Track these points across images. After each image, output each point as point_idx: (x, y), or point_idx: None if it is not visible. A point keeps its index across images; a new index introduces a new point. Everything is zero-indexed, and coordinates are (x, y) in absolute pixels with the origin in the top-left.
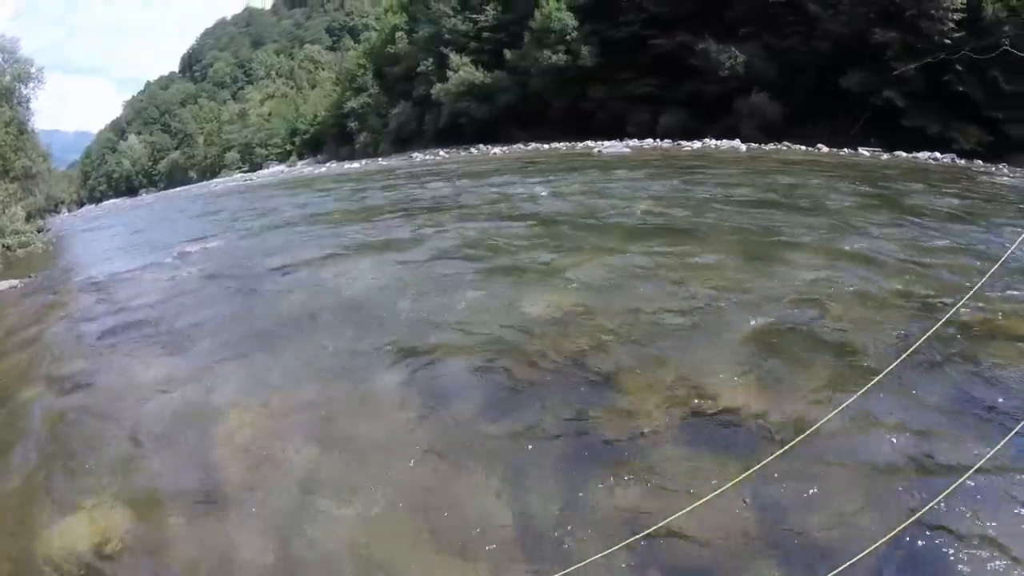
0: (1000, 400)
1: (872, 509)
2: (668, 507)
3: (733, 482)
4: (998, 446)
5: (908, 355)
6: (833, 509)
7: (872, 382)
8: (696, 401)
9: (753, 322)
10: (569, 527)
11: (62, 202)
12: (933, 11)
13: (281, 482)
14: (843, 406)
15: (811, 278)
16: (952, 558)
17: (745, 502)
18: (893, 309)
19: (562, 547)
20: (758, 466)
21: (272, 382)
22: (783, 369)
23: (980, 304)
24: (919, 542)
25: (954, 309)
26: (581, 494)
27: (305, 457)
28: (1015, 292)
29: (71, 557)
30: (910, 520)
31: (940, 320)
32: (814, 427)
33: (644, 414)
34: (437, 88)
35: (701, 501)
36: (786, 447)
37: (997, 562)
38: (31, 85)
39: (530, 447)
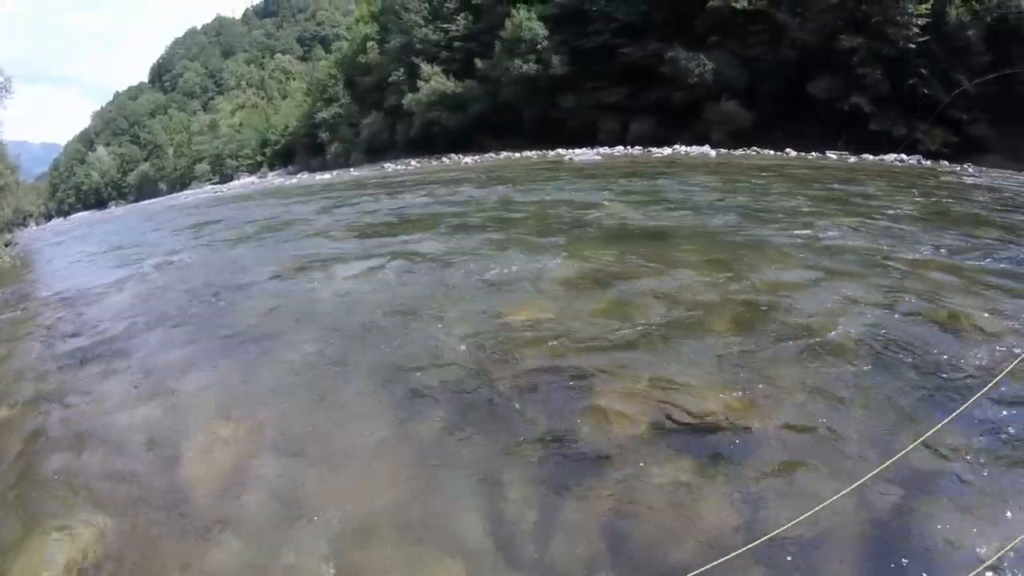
0: None
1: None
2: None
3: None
4: None
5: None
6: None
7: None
8: (672, 410)
9: (728, 328)
10: (546, 541)
11: (30, 215)
12: (898, 17)
13: (256, 498)
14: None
15: (778, 280)
16: None
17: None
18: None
19: (541, 561)
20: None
21: (244, 397)
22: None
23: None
24: None
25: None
26: (559, 508)
27: (280, 471)
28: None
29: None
30: None
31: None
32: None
33: (620, 423)
34: (408, 98)
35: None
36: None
37: None
38: None
39: (508, 460)
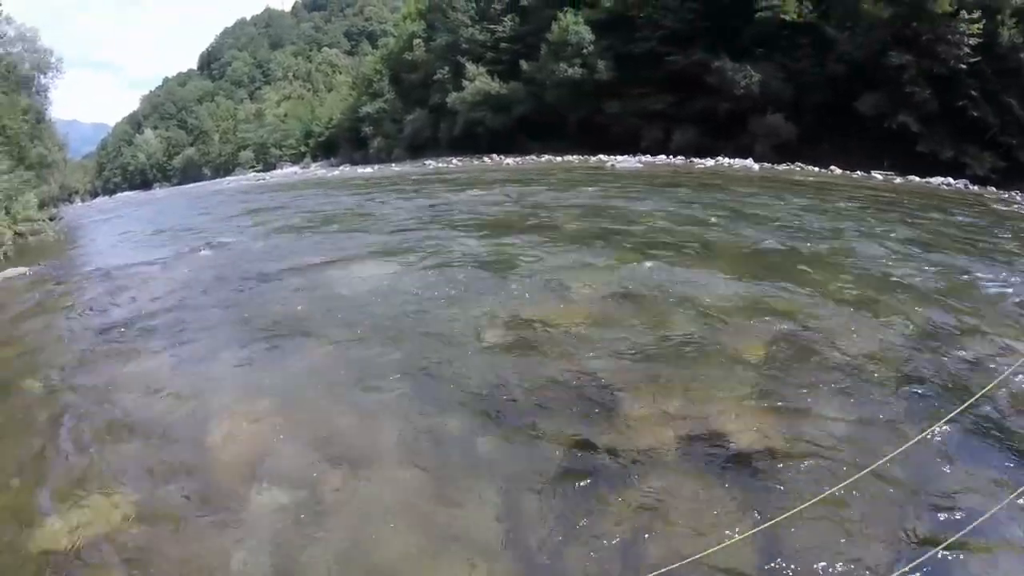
0: None
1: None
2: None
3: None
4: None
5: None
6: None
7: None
8: (697, 427)
9: (761, 344)
10: (561, 549)
11: (76, 192)
12: (949, 36)
13: (277, 486)
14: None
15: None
16: None
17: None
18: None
19: (555, 567)
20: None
21: (275, 385)
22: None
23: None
24: None
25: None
26: (577, 516)
27: (302, 462)
28: None
29: (64, 550)
30: None
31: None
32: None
33: (643, 435)
34: (453, 96)
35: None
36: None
37: None
38: (50, 75)
39: (532, 466)
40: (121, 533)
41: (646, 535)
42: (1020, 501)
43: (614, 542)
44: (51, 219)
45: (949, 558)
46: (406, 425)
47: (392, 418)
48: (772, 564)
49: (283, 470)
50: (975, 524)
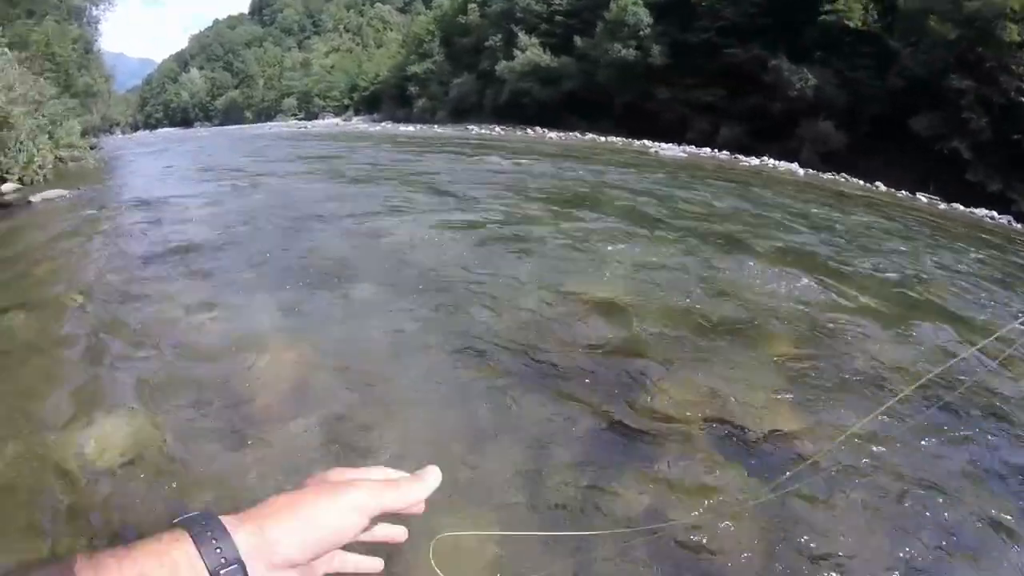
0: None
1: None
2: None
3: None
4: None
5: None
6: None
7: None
8: (722, 413)
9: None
10: (585, 506)
11: (117, 124)
12: (1013, 65)
13: (307, 425)
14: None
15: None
16: None
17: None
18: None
19: (577, 522)
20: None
21: (311, 322)
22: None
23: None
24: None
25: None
26: (598, 485)
27: (335, 405)
28: None
29: (92, 463)
30: None
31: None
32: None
33: (669, 415)
34: (502, 65)
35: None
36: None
37: None
38: (101, 6)
39: (559, 428)
40: (150, 449)
41: (660, 498)
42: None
43: (632, 503)
44: (92, 148)
45: None
46: (440, 375)
47: (427, 367)
48: (771, 530)
49: (316, 404)
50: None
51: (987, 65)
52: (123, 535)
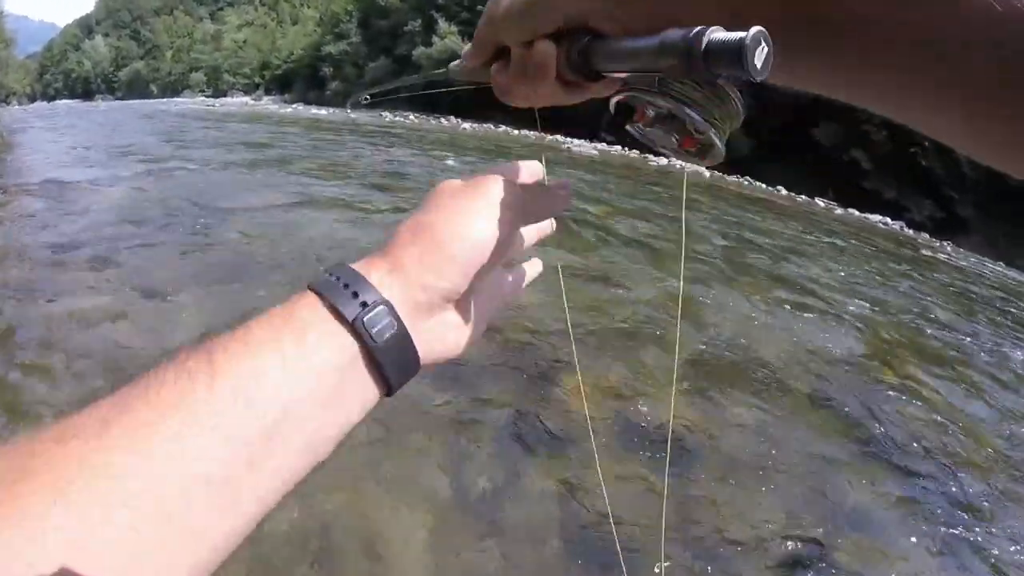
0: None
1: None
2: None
3: None
4: None
5: None
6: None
7: None
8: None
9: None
10: (502, 500)
11: (13, 94)
12: None
13: None
14: None
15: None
16: None
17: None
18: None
19: (496, 515)
20: None
21: (227, 322)
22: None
23: None
24: None
25: None
26: (516, 477)
27: None
28: None
29: None
30: None
31: None
32: None
33: (581, 412)
34: (419, 51)
35: None
36: None
37: None
38: None
39: (474, 423)
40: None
41: (574, 493)
42: None
43: (546, 497)
44: None
45: None
46: None
47: None
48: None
49: None
50: None
51: None
52: None
